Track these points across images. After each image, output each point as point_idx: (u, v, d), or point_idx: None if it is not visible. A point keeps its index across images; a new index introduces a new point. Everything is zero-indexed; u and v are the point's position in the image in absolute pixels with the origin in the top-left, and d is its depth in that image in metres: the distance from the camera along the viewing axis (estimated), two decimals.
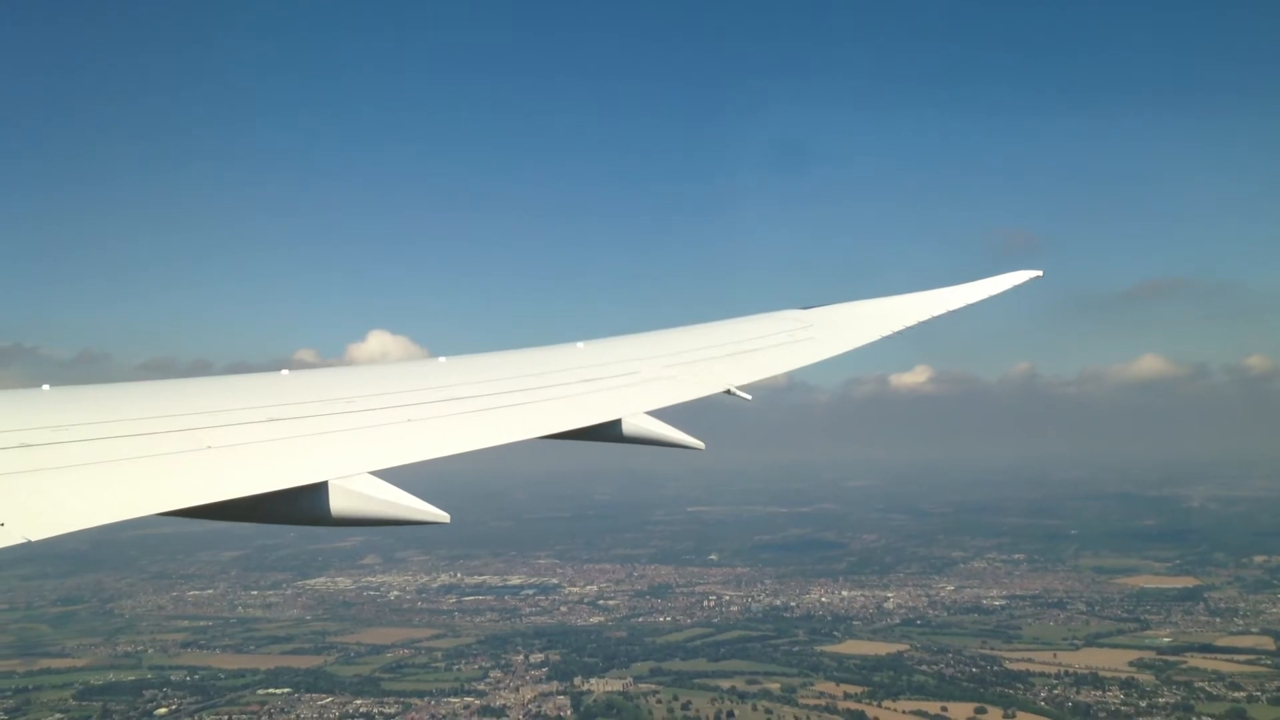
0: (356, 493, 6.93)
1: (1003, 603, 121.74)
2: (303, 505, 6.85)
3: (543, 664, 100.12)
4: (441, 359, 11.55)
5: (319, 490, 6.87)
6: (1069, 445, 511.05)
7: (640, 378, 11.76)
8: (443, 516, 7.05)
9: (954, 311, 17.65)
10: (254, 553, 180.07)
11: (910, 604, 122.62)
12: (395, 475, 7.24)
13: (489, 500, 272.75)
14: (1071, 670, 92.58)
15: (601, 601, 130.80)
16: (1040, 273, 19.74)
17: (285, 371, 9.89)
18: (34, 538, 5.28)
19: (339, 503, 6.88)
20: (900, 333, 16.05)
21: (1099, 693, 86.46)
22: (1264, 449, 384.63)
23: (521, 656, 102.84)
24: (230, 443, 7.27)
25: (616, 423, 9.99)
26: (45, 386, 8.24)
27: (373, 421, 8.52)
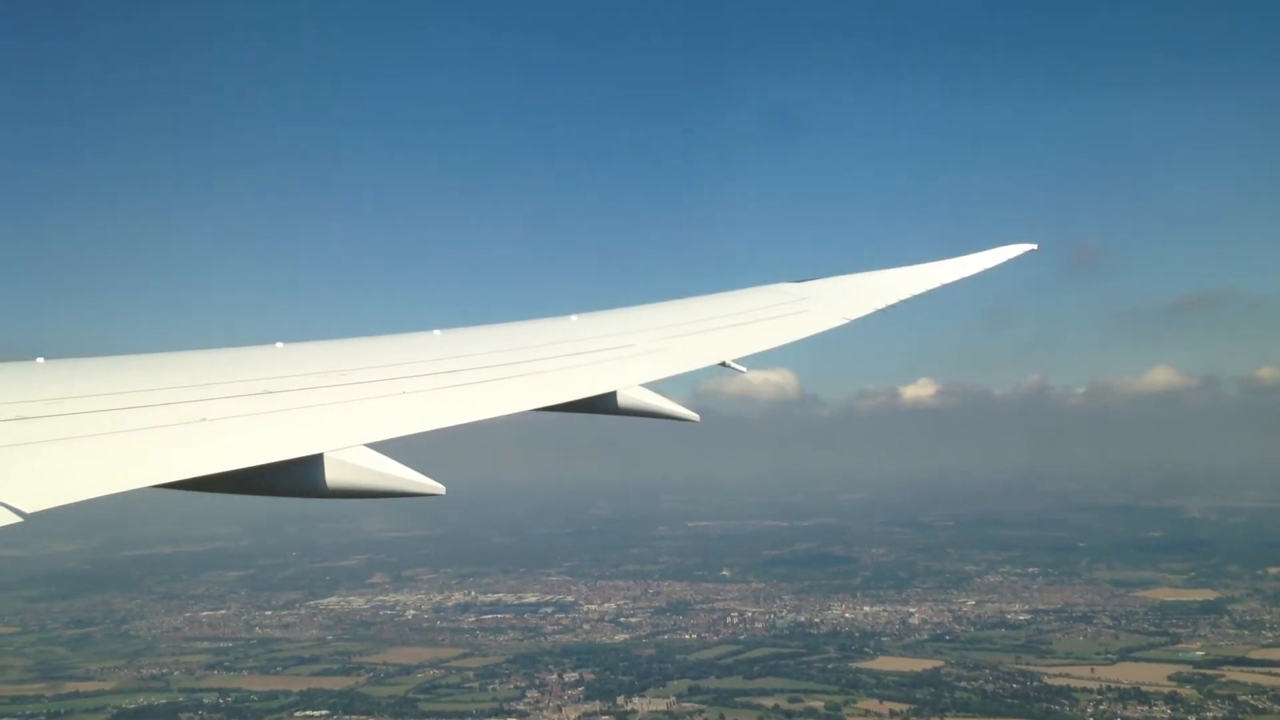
0: (352, 465, 6.97)
1: (1027, 617, 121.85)
2: (298, 477, 6.89)
3: (578, 683, 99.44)
4: (435, 331, 11.60)
5: (314, 462, 6.91)
6: (1059, 456, 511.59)
7: (634, 351, 11.79)
8: (438, 488, 7.07)
9: (948, 285, 17.54)
10: (259, 572, 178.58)
11: (935, 619, 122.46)
12: (390, 448, 7.30)
13: (485, 514, 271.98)
14: (1113, 685, 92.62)
15: (623, 619, 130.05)
16: (1035, 246, 19.57)
17: (280, 344, 9.89)
18: (30, 510, 5.26)
19: (334, 475, 6.92)
20: (894, 306, 15.96)
21: (1145, 707, 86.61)
22: (1259, 459, 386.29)
23: (555, 676, 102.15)
24: (225, 415, 7.35)
25: (611, 395, 9.95)
26: (40, 359, 8.25)
27: (367, 394, 8.61)
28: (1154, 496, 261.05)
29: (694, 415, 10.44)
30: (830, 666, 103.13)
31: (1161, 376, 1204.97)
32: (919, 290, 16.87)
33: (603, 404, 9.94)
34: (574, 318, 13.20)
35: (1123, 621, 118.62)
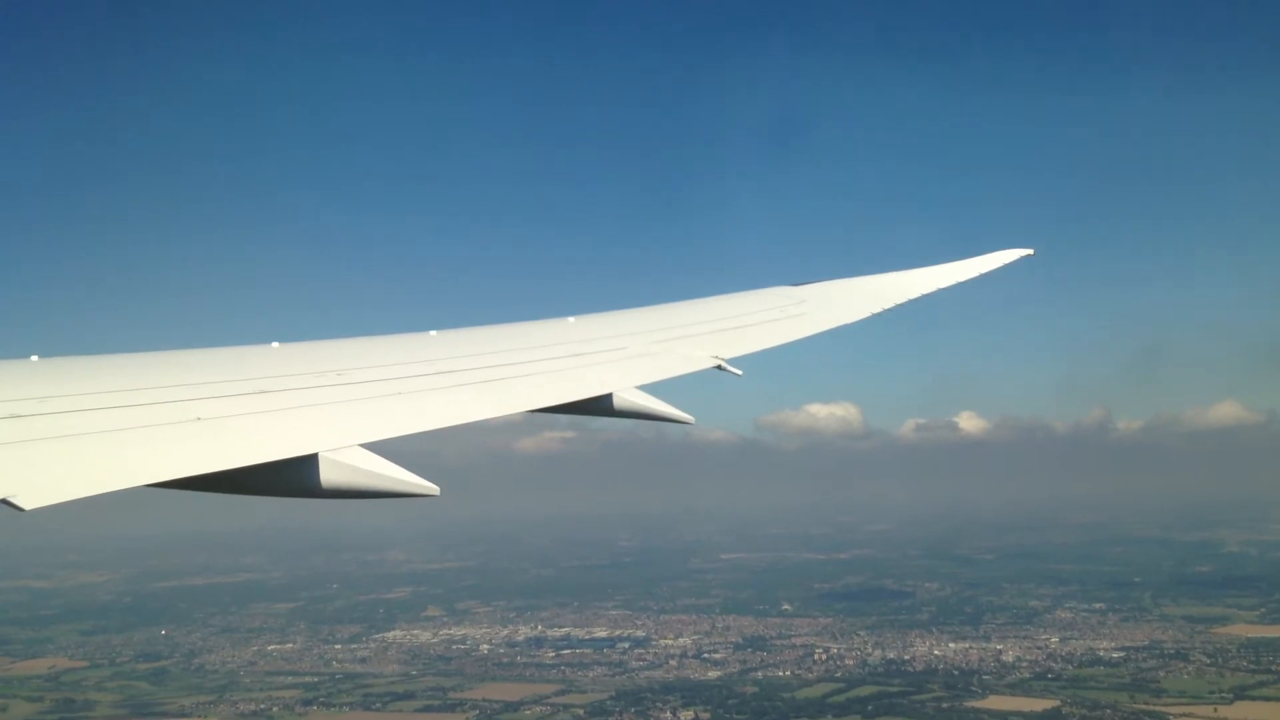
0: (346, 465, 7.00)
1: (1121, 655, 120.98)
2: (293, 477, 6.93)
3: None
4: (432, 332, 11.66)
5: (309, 462, 6.94)
6: (1080, 490, 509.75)
7: (630, 352, 11.91)
8: (432, 489, 7.11)
9: (944, 289, 17.70)
10: (307, 604, 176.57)
11: (1028, 657, 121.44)
12: (386, 449, 7.35)
13: (511, 546, 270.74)
14: None
15: (706, 655, 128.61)
16: (1031, 251, 19.65)
17: (275, 344, 9.91)
18: (27, 507, 5.28)
19: (329, 475, 6.95)
20: (891, 310, 16.18)
21: None
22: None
23: (669, 713, 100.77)
24: (220, 414, 7.41)
25: (607, 397, 10.06)
26: (34, 357, 8.31)
27: (363, 394, 8.70)
28: (1183, 530, 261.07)
29: (688, 417, 10.46)
30: (945, 706, 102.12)
31: (1227, 411, 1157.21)
32: (915, 294, 17.04)
33: (598, 405, 10.04)
34: (571, 319, 13.34)
35: (1219, 659, 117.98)
